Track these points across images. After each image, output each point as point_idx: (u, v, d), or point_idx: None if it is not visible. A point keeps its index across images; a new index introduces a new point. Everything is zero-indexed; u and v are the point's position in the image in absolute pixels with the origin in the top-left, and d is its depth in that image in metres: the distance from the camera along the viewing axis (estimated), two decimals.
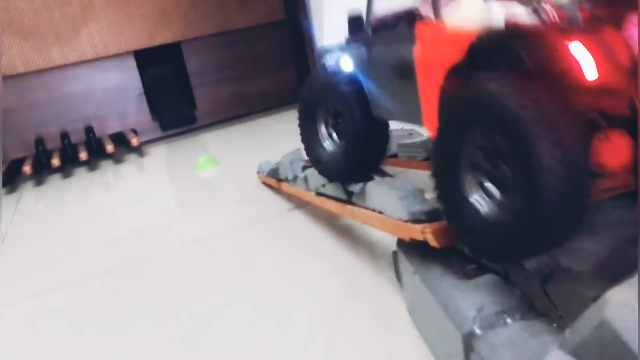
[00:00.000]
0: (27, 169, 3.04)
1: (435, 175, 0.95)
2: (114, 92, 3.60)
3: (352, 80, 1.32)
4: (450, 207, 0.93)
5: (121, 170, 3.14)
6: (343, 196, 1.32)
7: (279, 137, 3.12)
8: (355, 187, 1.24)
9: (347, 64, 1.38)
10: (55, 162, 3.11)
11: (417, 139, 1.66)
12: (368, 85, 1.28)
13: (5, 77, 3.32)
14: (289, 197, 1.91)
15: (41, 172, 3.32)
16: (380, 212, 1.11)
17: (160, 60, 3.77)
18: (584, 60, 0.76)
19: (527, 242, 0.79)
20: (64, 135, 3.47)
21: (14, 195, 2.98)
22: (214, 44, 3.75)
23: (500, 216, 0.83)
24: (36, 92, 3.44)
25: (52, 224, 2.36)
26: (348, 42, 1.41)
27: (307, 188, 1.56)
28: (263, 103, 3.92)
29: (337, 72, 1.38)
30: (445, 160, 0.93)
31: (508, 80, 0.81)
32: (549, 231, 0.76)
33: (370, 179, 1.26)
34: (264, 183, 2.14)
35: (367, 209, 1.19)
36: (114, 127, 3.63)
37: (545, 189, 0.73)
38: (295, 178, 1.66)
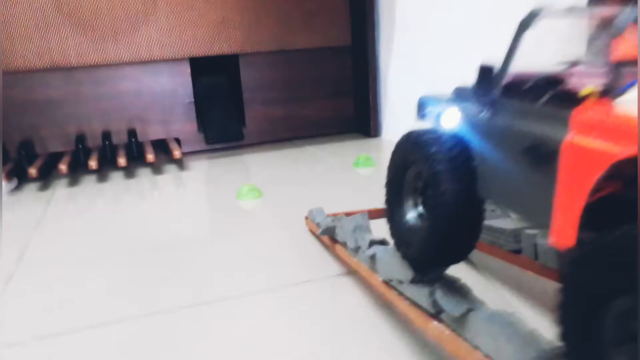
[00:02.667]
0: (63, 167, 2.90)
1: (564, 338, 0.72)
2: (163, 98, 3.45)
3: (452, 146, 1.05)
4: None
5: (159, 182, 2.98)
6: (429, 307, 1.06)
7: (330, 173, 2.91)
8: (453, 309, 0.96)
9: (450, 122, 1.12)
10: (93, 164, 2.97)
11: (506, 225, 1.41)
12: (480, 157, 1.01)
13: (56, 68, 3.21)
14: (342, 259, 1.69)
15: (77, 170, 3.19)
16: (488, 357, 0.86)
17: (215, 71, 3.62)
18: None
19: None
20: (106, 135, 3.34)
21: (47, 193, 2.84)
22: (273, 61, 3.58)
23: None
24: (85, 86, 3.32)
25: (78, 233, 2.19)
26: (459, 94, 1.15)
27: (372, 269, 1.32)
28: (315, 129, 3.72)
29: (434, 132, 1.12)
30: (581, 323, 0.69)
31: None
32: None
33: (472, 297, 1.00)
34: (312, 232, 1.93)
35: (466, 341, 0.92)
36: (157, 132, 3.48)
37: None
38: (357, 249, 1.41)
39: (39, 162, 3.02)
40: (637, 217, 0.60)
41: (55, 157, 3.17)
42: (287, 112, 3.66)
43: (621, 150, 0.65)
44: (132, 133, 3.38)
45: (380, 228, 1.44)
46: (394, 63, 3.40)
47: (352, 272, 1.60)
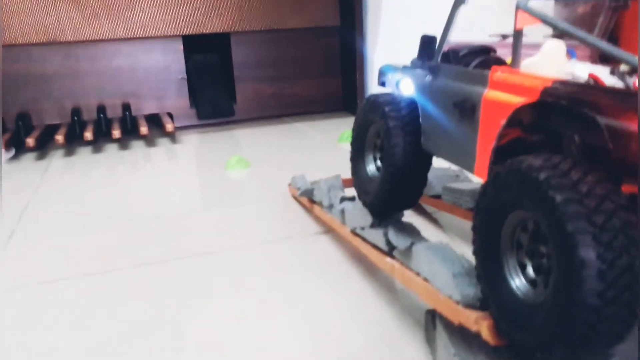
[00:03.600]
0: (59, 138, 3.02)
1: (475, 252, 0.88)
2: (157, 74, 3.57)
3: (404, 106, 1.22)
4: (489, 289, 0.86)
5: (151, 154, 3.11)
6: (384, 245, 1.22)
7: (315, 148, 3.05)
8: (401, 244, 1.14)
9: (407, 88, 1.28)
10: (88, 135, 3.09)
11: (465, 186, 1.56)
12: (424, 115, 1.18)
13: (52, 43, 3.31)
14: (319, 218, 1.84)
15: (73, 142, 3.31)
16: (426, 280, 1.02)
17: (207, 48, 3.73)
18: None
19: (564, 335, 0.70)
20: (101, 109, 3.46)
21: (43, 162, 2.96)
22: (263, 40, 3.69)
23: (535, 298, 0.77)
24: (81, 61, 3.43)
25: (74, 200, 2.33)
26: (414, 64, 1.30)
27: (343, 222, 1.47)
28: (303, 107, 3.85)
29: (390, 95, 1.29)
30: (487, 233, 0.85)
31: (559, 168, 0.71)
32: (586, 331, 0.68)
33: (418, 234, 1.16)
34: (295, 197, 2.07)
35: (411, 270, 1.09)
36: (151, 107, 3.60)
37: (586, 291, 0.66)
38: (331, 206, 1.57)
39: (36, 133, 3.14)
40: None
41: (52, 129, 3.29)
42: (276, 89, 3.79)
43: (520, 100, 0.80)
44: (126, 107, 3.50)
45: (353, 193, 1.59)
46: (381, 43, 3.52)
47: (328, 231, 1.75)
